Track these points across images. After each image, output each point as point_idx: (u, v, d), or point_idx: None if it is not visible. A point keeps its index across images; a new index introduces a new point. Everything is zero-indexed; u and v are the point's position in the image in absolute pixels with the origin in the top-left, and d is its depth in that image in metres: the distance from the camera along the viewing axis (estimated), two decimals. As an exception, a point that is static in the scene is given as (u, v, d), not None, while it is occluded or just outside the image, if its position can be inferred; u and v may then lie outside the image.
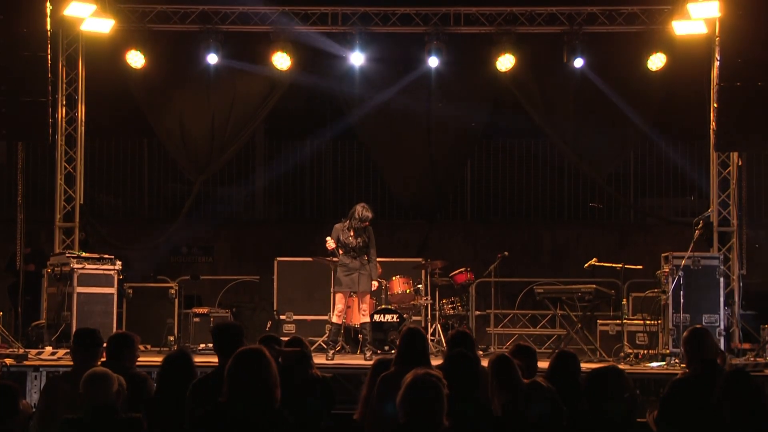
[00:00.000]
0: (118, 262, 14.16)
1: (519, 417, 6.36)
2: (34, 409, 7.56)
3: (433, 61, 15.25)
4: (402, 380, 5.44)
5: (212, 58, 15.27)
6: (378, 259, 14.47)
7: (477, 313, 15.61)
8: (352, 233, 13.05)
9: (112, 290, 13.95)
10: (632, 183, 19.12)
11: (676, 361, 12.41)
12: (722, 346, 12.76)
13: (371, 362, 12.39)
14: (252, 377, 5.42)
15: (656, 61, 15.04)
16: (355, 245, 13.03)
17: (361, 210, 13.02)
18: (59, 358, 12.27)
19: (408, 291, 14.57)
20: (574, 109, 15.86)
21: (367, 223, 13.06)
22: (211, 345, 12.88)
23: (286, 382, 5.91)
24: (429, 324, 14.63)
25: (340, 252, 13.14)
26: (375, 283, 13.35)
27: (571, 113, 15.88)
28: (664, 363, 12.60)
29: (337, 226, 13.20)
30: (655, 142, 18.59)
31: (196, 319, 14.86)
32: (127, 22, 15.20)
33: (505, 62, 15.23)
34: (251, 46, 15.70)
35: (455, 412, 5.62)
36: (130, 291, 14.98)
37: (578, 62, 15.05)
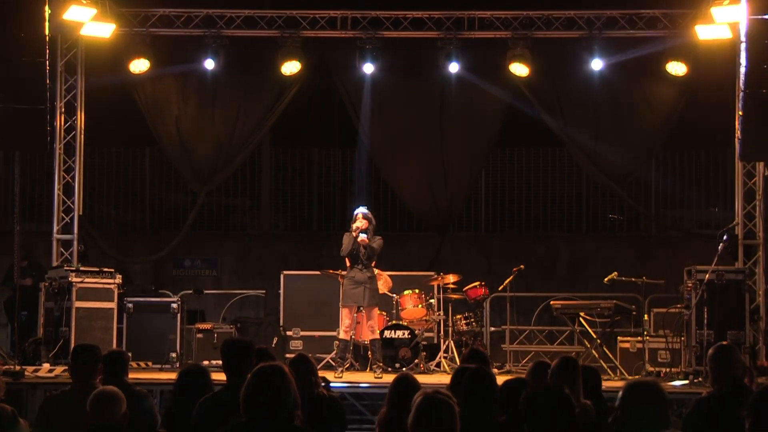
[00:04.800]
0: (118, 276, 14.18)
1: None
2: (31, 429, 7.55)
3: (454, 67, 15.25)
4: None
5: (217, 64, 15.29)
6: (388, 273, 14.54)
7: (492, 329, 15.57)
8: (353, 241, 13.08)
9: (112, 305, 13.98)
10: (653, 194, 19.07)
11: (700, 379, 12.35)
12: (747, 364, 12.69)
13: (380, 380, 12.47)
14: (272, 396, 5.40)
15: (678, 67, 15.02)
16: (356, 252, 13.02)
17: (354, 215, 13.18)
18: (57, 376, 12.30)
19: (420, 306, 14.53)
20: (592, 117, 15.86)
21: (357, 224, 13.03)
22: (214, 362, 12.90)
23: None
24: (442, 340, 14.61)
25: (347, 264, 13.16)
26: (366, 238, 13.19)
27: (589, 121, 15.88)
28: (687, 381, 12.55)
29: (345, 235, 13.24)
30: (677, 151, 18.59)
31: (199, 335, 14.85)
32: (128, 26, 15.23)
33: (521, 68, 15.22)
34: (258, 51, 15.72)
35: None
36: (131, 306, 14.95)
37: (597, 63, 15.03)
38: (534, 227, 19.33)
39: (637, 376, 13.40)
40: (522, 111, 16.61)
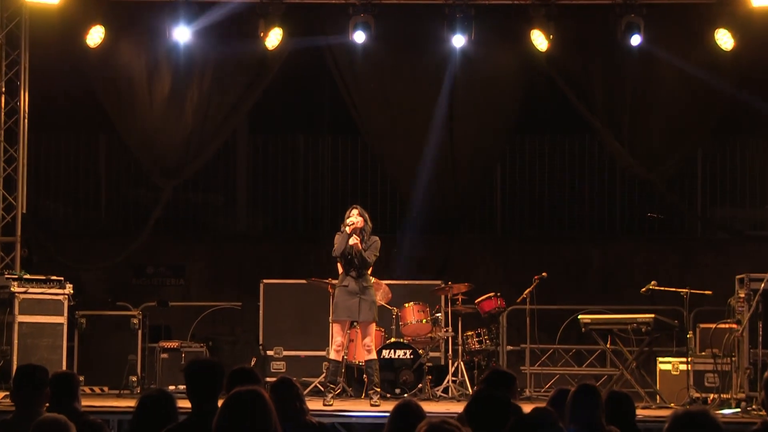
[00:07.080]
0: (69, 286, 14.15)
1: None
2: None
3: (458, 40, 15.24)
4: None
5: (185, 35, 15.26)
6: (389, 282, 14.53)
7: (509, 348, 15.57)
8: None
9: (62, 319, 13.96)
10: (700, 189, 19.08)
11: (754, 407, 12.36)
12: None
13: (378, 408, 12.46)
14: (249, 427, 5.38)
15: (728, 40, 15.02)
16: (350, 254, 12.96)
17: (348, 212, 13.15)
18: (-3, 402, 12.29)
19: (424, 321, 14.53)
20: (628, 99, 15.88)
21: (352, 219, 13.00)
22: (182, 387, 12.89)
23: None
24: (450, 361, 14.60)
25: (340, 270, 13.14)
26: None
27: (624, 104, 15.91)
28: (738, 410, 12.55)
29: (337, 235, 13.17)
30: (727, 139, 18.59)
31: (164, 355, 14.85)
32: (81, -10, 15.24)
33: (543, 41, 15.21)
34: (233, 21, 15.70)
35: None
36: (84, 320, 14.96)
37: (635, 39, 15.02)
38: (558, 228, 19.32)
39: (680, 405, 13.41)
40: (545, 92, 16.64)
